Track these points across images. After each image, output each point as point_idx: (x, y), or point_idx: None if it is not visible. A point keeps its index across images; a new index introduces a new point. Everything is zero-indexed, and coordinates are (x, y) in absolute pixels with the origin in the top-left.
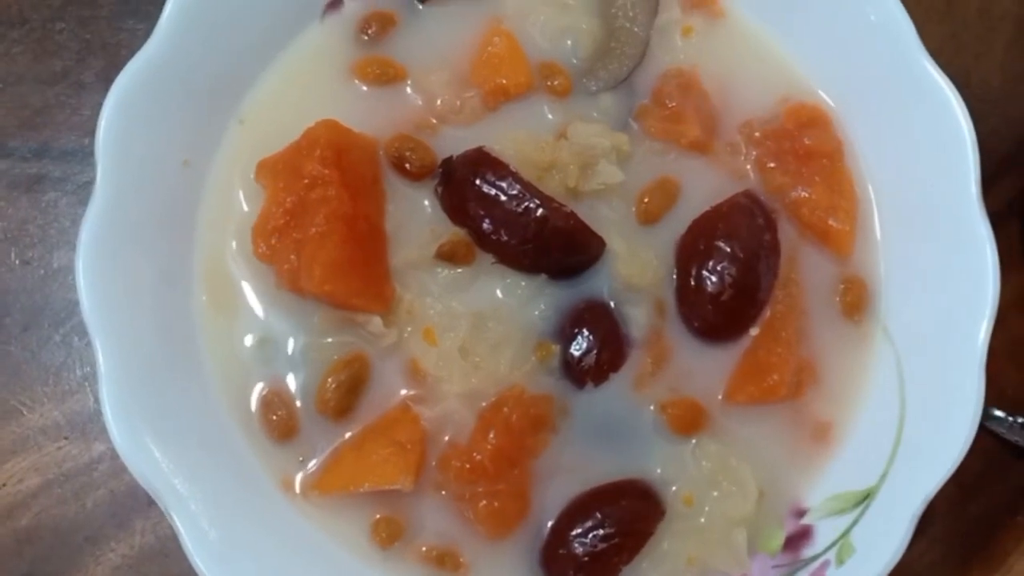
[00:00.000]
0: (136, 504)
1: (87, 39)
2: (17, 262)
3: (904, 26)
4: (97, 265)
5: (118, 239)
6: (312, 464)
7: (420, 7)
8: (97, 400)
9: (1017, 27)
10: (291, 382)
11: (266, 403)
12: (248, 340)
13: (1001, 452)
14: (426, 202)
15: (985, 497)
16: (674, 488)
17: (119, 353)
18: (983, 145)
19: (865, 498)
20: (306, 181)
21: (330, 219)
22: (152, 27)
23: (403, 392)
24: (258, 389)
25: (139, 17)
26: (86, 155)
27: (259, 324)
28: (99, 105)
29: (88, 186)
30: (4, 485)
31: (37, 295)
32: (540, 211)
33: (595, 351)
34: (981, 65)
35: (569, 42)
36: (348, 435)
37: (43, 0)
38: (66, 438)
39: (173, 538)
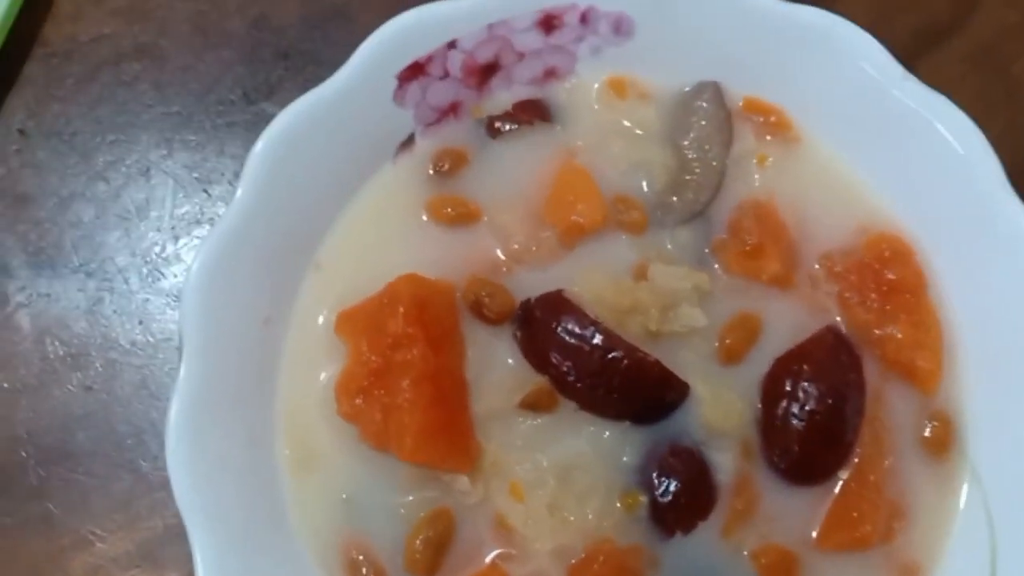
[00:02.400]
0: None
1: (139, 151)
2: (79, 388)
3: (989, 161)
4: (186, 446)
5: (206, 415)
6: None
7: (489, 140)
8: (167, 528)
9: None
10: (378, 539)
11: (354, 563)
12: (334, 497)
13: None
14: (505, 346)
15: None
16: None
17: (212, 528)
18: None
19: None
20: (390, 340)
21: (417, 383)
22: (205, 138)
23: (491, 550)
24: (346, 548)
25: (191, 128)
26: (143, 274)
27: (342, 482)
28: (154, 221)
29: (146, 305)
30: None
31: (101, 421)
32: (625, 361)
33: (683, 498)
34: None
35: (643, 176)
36: None
37: (92, 112)
38: (138, 567)
39: None
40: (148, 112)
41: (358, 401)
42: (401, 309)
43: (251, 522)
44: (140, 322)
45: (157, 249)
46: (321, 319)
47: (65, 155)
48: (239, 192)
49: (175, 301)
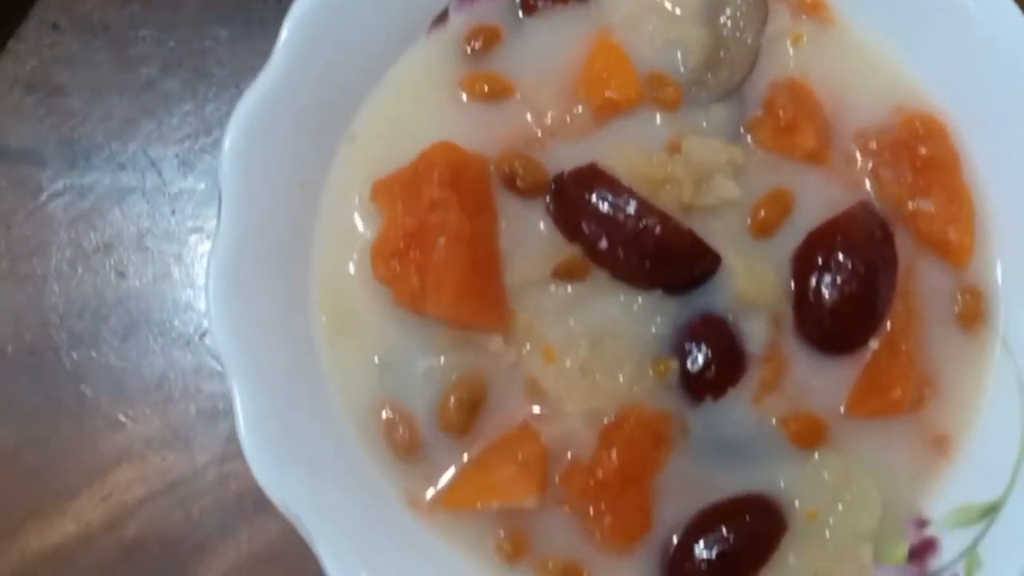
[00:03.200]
0: (242, 512)
1: (171, 47)
2: (113, 275)
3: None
4: (227, 299)
5: (244, 270)
6: (437, 481)
7: (523, 17)
8: (199, 410)
9: None
10: (412, 401)
11: (389, 422)
12: (368, 360)
13: None
14: (538, 218)
15: None
16: (797, 502)
17: (252, 384)
18: None
19: (991, 511)
20: (426, 203)
21: (452, 242)
22: (236, 33)
23: (523, 410)
24: (381, 408)
25: (223, 24)
26: (177, 164)
27: (379, 344)
28: (184, 115)
29: (178, 196)
30: (110, 495)
31: (134, 307)
32: (658, 228)
33: (713, 365)
34: None
35: (678, 52)
36: (470, 453)
37: (125, 7)
38: (170, 448)
39: (279, 544)
40: (181, 8)
41: (393, 263)
42: (436, 173)
43: (288, 382)
44: (172, 211)
45: (189, 142)
46: (356, 188)
47: (98, 49)
48: (274, 55)
49: (207, 191)
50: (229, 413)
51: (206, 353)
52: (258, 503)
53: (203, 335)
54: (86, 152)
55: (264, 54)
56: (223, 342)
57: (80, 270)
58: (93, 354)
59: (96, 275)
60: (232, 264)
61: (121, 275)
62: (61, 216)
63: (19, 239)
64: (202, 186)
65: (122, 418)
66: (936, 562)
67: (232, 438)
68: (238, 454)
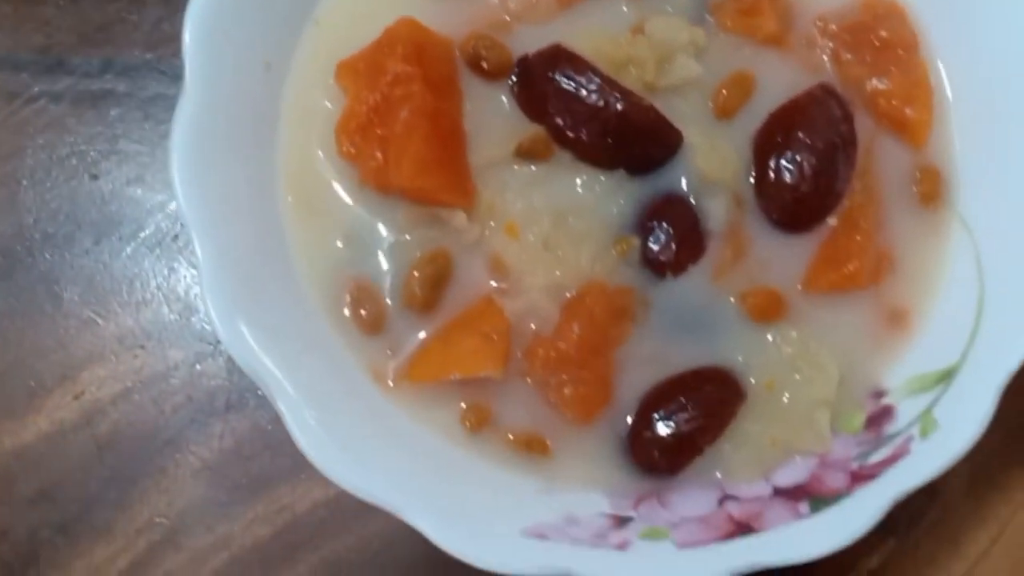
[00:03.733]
0: (214, 409)
1: None
2: (86, 176)
3: None
4: (191, 167)
5: (209, 143)
6: (401, 355)
7: None
8: (171, 309)
9: None
10: (378, 277)
11: (355, 299)
12: (334, 238)
13: None
14: (503, 100)
15: None
16: (755, 374)
17: (217, 251)
18: None
19: (946, 376)
20: (388, 78)
21: (415, 115)
22: None
23: (487, 286)
24: (347, 285)
25: None
26: (149, 69)
27: (344, 223)
28: (159, 19)
29: (153, 100)
30: (83, 393)
31: (107, 209)
32: (619, 104)
33: (674, 243)
34: None
35: None
36: (434, 327)
37: None
38: (142, 347)
39: (252, 440)
40: None
41: (357, 139)
42: (399, 49)
43: (254, 251)
44: (145, 116)
45: (162, 48)
46: (321, 70)
47: None
48: None
49: (179, 95)
50: (201, 312)
51: (178, 254)
52: (230, 402)
53: (175, 237)
54: (60, 58)
55: None
56: (185, 201)
57: (54, 173)
58: (66, 255)
59: (70, 179)
60: (196, 132)
61: (94, 178)
62: (36, 121)
63: None
64: (174, 91)
65: (95, 317)
66: (892, 427)
67: (204, 337)
68: (211, 353)
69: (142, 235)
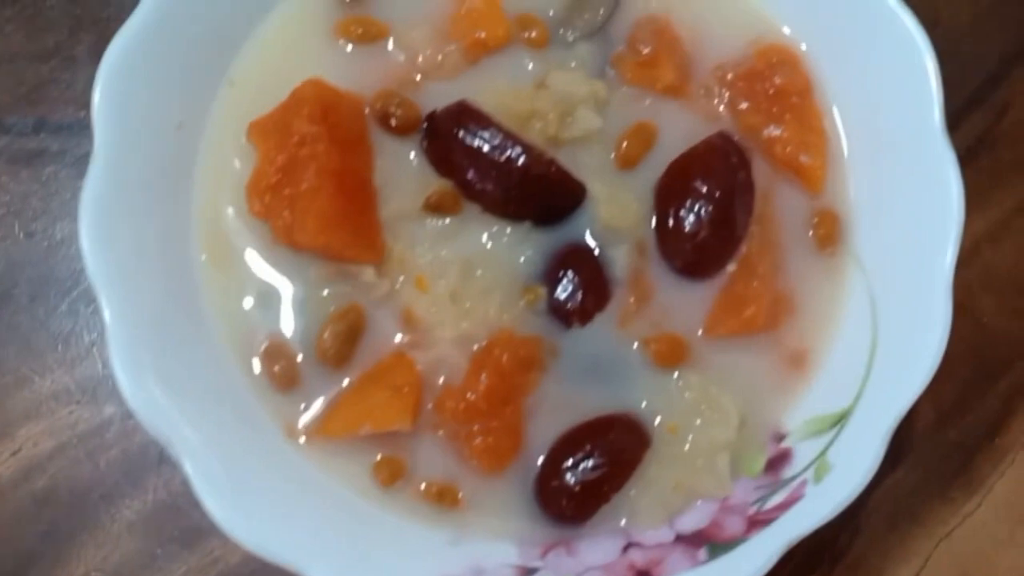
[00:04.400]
0: (147, 463)
1: (77, 14)
2: (21, 235)
3: None
4: (99, 226)
5: (118, 202)
6: (314, 411)
7: None
8: (106, 365)
9: None
10: (291, 333)
11: (268, 355)
12: (248, 295)
13: (977, 378)
14: (412, 156)
15: (963, 422)
16: (659, 419)
17: (125, 309)
18: (953, 81)
19: (840, 419)
20: (296, 139)
21: (320, 174)
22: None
23: (398, 339)
24: (260, 341)
25: None
26: (82, 128)
27: (258, 279)
28: (92, 78)
29: (86, 158)
30: (20, 449)
31: (42, 266)
32: (522, 159)
33: (580, 292)
34: (951, 1)
35: None
36: (347, 382)
37: None
38: (77, 402)
39: (184, 494)
40: None
41: (267, 198)
42: (306, 109)
43: (165, 313)
44: (80, 173)
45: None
46: (234, 130)
47: (8, 20)
48: None
49: None
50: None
51: None
52: (163, 455)
53: None
54: None
55: None
56: (93, 265)
57: None
58: (3, 314)
59: (5, 237)
60: (105, 195)
61: (30, 236)
62: None
63: None
64: None
65: (31, 375)
66: (789, 470)
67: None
68: None
69: (76, 292)
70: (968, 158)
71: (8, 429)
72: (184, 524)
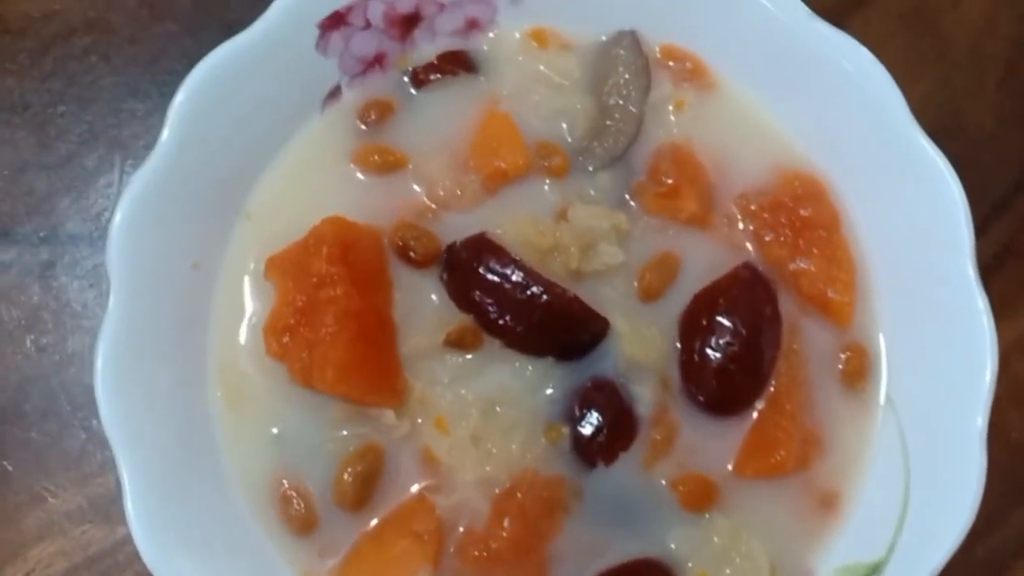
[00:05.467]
0: None
1: (89, 122)
2: (33, 349)
3: (894, 99)
4: (115, 379)
5: (134, 351)
6: (334, 557)
7: (414, 92)
8: (118, 483)
9: (1008, 68)
10: (308, 476)
11: (285, 498)
12: (265, 435)
13: (1006, 494)
14: (432, 289)
15: (991, 539)
16: (689, 565)
17: (142, 466)
18: (978, 187)
19: (874, 571)
20: (315, 280)
21: (340, 318)
22: (152, 107)
23: (418, 482)
24: (277, 483)
25: (139, 98)
26: (93, 240)
27: (274, 419)
28: (103, 188)
29: (97, 270)
30: (32, 571)
31: (54, 381)
32: (544, 297)
33: (604, 430)
34: (974, 107)
35: (564, 123)
36: (367, 526)
37: (44, 85)
38: (90, 522)
39: None
40: (98, 83)
41: (285, 340)
42: (325, 249)
43: (182, 460)
44: (91, 285)
45: (107, 215)
46: (251, 265)
47: (18, 127)
48: (163, 137)
49: None
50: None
51: None
52: None
53: None
54: (6, 228)
55: None
56: (110, 424)
57: (1, 346)
58: (15, 430)
59: (17, 351)
60: (120, 345)
61: (41, 350)
62: None
63: None
64: None
65: (44, 493)
66: None
67: None
68: None
69: (89, 407)
70: (994, 266)
71: (21, 550)
72: None
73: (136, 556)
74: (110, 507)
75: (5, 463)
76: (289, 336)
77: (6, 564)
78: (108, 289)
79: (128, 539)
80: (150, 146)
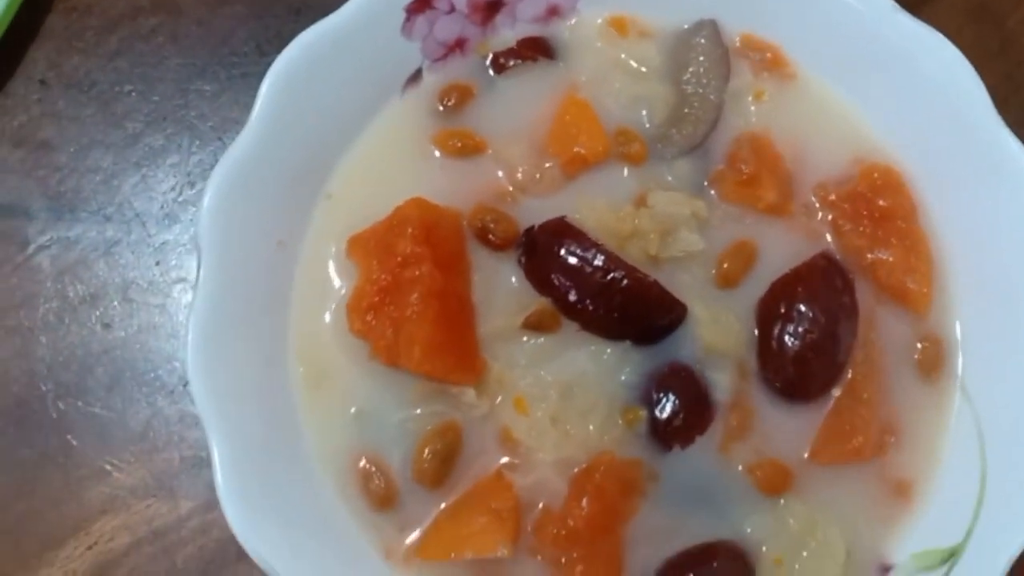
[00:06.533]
0: (225, 560)
1: (156, 101)
2: (98, 325)
3: (978, 95)
4: (206, 357)
5: (223, 328)
6: (413, 532)
7: (494, 76)
8: (183, 459)
9: None
10: (388, 452)
11: (365, 474)
12: (345, 412)
13: None
14: (510, 271)
15: None
16: (764, 549)
17: (230, 440)
18: None
19: (951, 556)
20: (399, 259)
21: (425, 298)
22: (219, 89)
23: (496, 460)
24: (357, 460)
25: (206, 79)
26: (159, 218)
27: (355, 396)
28: (169, 168)
29: (163, 248)
30: (95, 544)
31: (119, 357)
32: (625, 281)
33: (681, 414)
34: None
35: (644, 109)
36: (445, 503)
37: (110, 63)
38: (154, 496)
39: None
40: (164, 63)
41: (369, 318)
42: (410, 230)
43: (266, 435)
44: (157, 263)
45: (173, 195)
46: (333, 245)
47: (84, 104)
48: (252, 117)
49: (191, 243)
50: (211, 462)
51: (189, 402)
52: (240, 551)
53: (186, 384)
54: (72, 205)
55: (246, 107)
56: (202, 400)
57: (66, 321)
58: (79, 404)
59: (82, 326)
60: (211, 321)
61: (107, 326)
62: (48, 268)
63: (6, 292)
64: (186, 238)
65: (107, 467)
66: None
67: (213, 487)
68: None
69: (153, 384)
70: None
71: (84, 524)
72: None
73: (199, 531)
74: (174, 482)
75: (69, 437)
76: (373, 314)
77: (69, 537)
78: (173, 267)
79: (192, 514)
80: (217, 127)
